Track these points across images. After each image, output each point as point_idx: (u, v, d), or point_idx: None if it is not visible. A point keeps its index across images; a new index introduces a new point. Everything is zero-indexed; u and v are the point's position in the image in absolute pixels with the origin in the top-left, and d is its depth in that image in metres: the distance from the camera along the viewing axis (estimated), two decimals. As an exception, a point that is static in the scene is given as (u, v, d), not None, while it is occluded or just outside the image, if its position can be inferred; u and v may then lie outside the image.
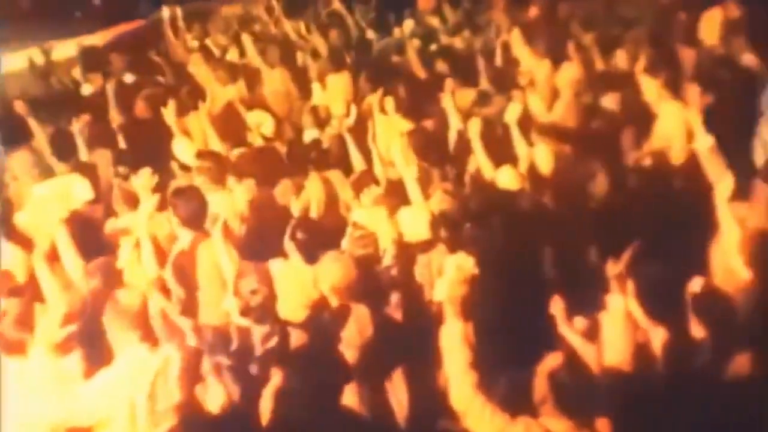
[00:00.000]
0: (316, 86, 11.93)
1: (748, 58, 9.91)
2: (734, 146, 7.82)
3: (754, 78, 9.14)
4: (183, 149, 10.01)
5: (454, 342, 5.34)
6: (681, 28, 11.21)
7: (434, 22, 14.08)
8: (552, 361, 5.23)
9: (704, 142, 7.30)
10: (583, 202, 8.12)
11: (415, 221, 7.80)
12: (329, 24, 14.13)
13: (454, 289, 5.38)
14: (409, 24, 14.13)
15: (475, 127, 8.87)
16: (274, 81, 12.28)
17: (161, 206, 7.80)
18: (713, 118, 7.73)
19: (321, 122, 10.83)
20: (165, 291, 7.39)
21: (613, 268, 5.86)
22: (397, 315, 6.98)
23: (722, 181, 7.00)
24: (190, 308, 7.43)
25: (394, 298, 7.05)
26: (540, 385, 5.09)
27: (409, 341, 6.61)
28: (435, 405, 6.05)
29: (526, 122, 9.30)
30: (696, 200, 7.39)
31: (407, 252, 7.48)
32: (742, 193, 6.96)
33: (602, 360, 5.60)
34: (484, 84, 11.02)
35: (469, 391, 5.27)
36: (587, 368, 5.38)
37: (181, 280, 7.45)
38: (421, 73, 11.98)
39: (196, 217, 7.62)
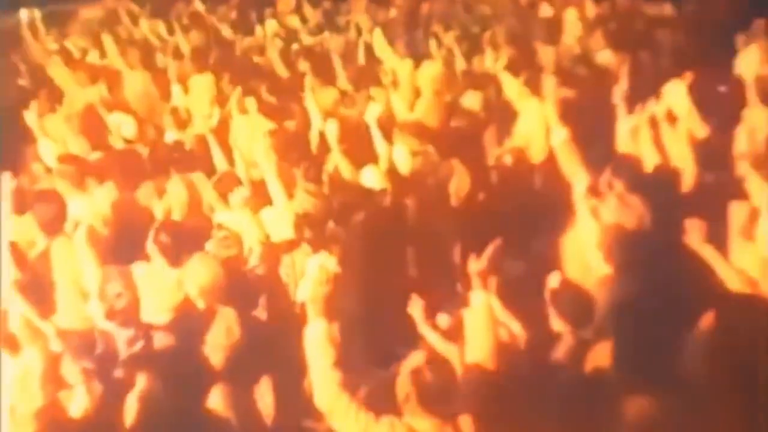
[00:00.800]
0: (177, 87, 11.83)
1: (604, 54, 10.12)
2: (591, 141, 7.97)
3: (609, 73, 9.32)
4: (46, 152, 9.88)
5: (318, 342, 5.35)
6: (540, 26, 11.39)
7: (295, 22, 14.08)
8: (415, 359, 5.27)
9: (559, 135, 7.43)
10: (445, 200, 8.19)
11: (279, 221, 7.81)
12: (190, 25, 14.04)
13: (316, 289, 5.39)
14: (270, 24, 14.11)
15: (332, 128, 8.90)
16: (135, 83, 12.15)
17: (21, 209, 7.68)
18: (569, 113, 7.87)
19: (182, 123, 10.75)
20: (26, 295, 7.27)
21: (475, 265, 5.93)
22: (264, 316, 6.97)
23: (578, 176, 7.13)
24: (50, 313, 7.33)
25: (261, 299, 7.03)
26: (403, 384, 5.12)
27: (275, 342, 6.59)
28: (301, 406, 6.06)
29: (389, 121, 9.36)
30: (556, 196, 7.51)
31: (273, 253, 7.47)
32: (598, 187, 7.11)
33: (465, 357, 5.65)
34: (346, 84, 11.06)
35: (333, 391, 5.27)
36: (450, 366, 5.42)
37: (40, 284, 7.35)
38: (283, 73, 11.97)
39: (54, 221, 7.52)
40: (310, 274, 5.42)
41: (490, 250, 5.91)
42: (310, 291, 5.40)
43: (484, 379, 5.38)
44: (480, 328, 5.65)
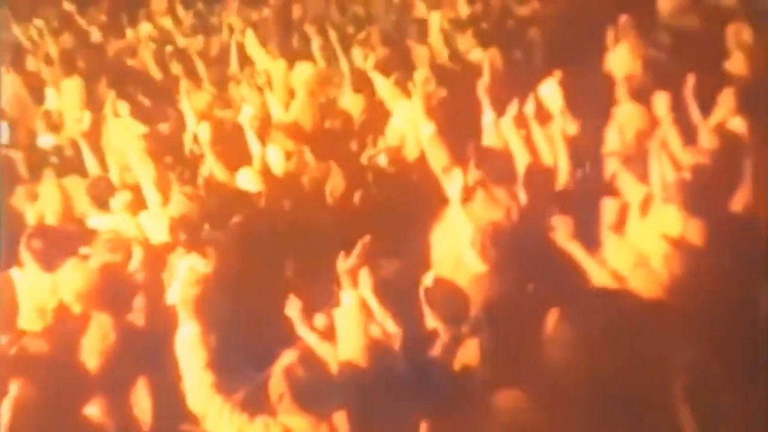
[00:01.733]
0: (50, 91, 11.66)
1: (476, 53, 10.22)
2: (463, 139, 8.05)
3: (481, 72, 9.42)
4: None
5: (189, 344, 5.32)
6: (414, 26, 11.45)
7: (168, 23, 13.96)
8: (287, 358, 5.27)
9: (426, 131, 7.50)
10: (321, 201, 8.21)
11: (155, 225, 7.75)
12: (61, 28, 13.84)
13: (186, 291, 5.36)
14: (144, 26, 13.97)
15: (205, 130, 8.85)
16: (6, 86, 11.94)
17: None
18: (441, 111, 7.96)
19: (55, 127, 10.59)
20: None
21: (344, 264, 5.96)
22: (140, 320, 6.90)
23: (449, 174, 7.20)
24: None
25: (138, 303, 6.97)
26: (276, 383, 5.12)
27: (151, 347, 6.54)
28: (178, 410, 6.01)
29: (264, 123, 9.34)
30: (430, 195, 7.57)
31: (152, 256, 7.41)
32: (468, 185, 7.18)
33: (338, 355, 5.68)
34: (219, 85, 11.01)
35: (206, 393, 5.26)
36: (323, 363, 5.44)
37: None
38: (156, 75, 11.87)
39: None
40: (179, 277, 5.40)
41: (358, 248, 5.95)
42: (179, 293, 5.37)
43: (357, 377, 5.40)
44: (351, 326, 5.68)
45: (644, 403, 5.13)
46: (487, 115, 8.08)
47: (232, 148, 8.96)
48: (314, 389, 5.12)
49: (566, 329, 5.39)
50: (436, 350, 5.78)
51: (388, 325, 5.78)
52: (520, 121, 7.81)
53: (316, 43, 10.95)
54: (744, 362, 5.21)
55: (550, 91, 8.13)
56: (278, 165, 8.78)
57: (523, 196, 7.15)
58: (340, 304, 5.90)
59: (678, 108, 7.78)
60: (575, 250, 6.37)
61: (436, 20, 11.09)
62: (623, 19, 9.61)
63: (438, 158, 7.57)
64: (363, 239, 6.09)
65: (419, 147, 8.46)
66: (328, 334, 5.93)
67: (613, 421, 5.13)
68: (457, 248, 6.86)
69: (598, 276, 6.30)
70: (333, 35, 10.92)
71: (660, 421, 5.08)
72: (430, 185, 7.63)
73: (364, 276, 5.86)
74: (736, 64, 8.93)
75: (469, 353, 5.64)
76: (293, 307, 6.14)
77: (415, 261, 6.87)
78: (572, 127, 8.02)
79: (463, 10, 11.45)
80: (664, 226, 6.36)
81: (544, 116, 7.92)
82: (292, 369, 5.13)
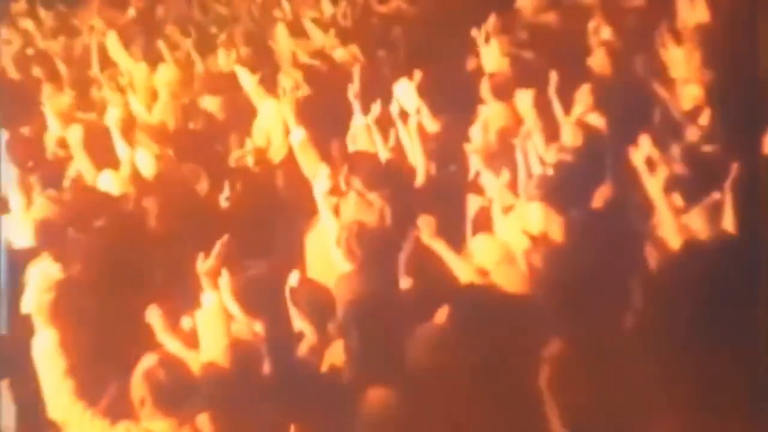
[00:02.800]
0: None
1: (340, 52, 10.23)
2: (329, 139, 8.06)
3: (346, 71, 9.43)
4: None
5: (47, 351, 5.24)
6: (277, 25, 11.40)
7: (29, 25, 13.68)
8: (147, 361, 5.21)
9: (297, 134, 7.50)
10: (188, 203, 8.13)
11: (20, 229, 7.61)
12: None
13: (40, 297, 5.27)
14: (2, 29, 13.66)
15: (75, 133, 8.72)
16: None
17: None
18: (307, 112, 7.95)
19: None
20: None
21: (204, 265, 5.93)
22: (2, 329, 6.77)
23: (318, 174, 7.21)
24: None
25: (2, 311, 6.84)
26: (137, 387, 5.06)
27: (12, 354, 6.41)
28: (43, 418, 5.91)
29: (129, 125, 9.22)
30: (298, 195, 7.56)
31: (16, 261, 7.27)
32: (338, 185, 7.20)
33: (201, 356, 5.64)
34: (82, 87, 10.84)
35: (67, 400, 5.18)
36: (184, 366, 5.39)
37: None
38: (17, 78, 11.63)
39: None
40: (33, 282, 5.31)
41: (217, 248, 5.92)
42: (33, 300, 5.28)
43: (220, 379, 5.36)
44: (212, 327, 5.66)
45: (511, 396, 5.19)
46: (358, 117, 8.10)
47: (98, 151, 8.81)
48: (176, 392, 5.07)
49: (450, 326, 5.41)
50: (302, 351, 5.77)
51: (252, 326, 5.75)
52: (385, 121, 7.84)
53: (178, 44, 10.85)
54: (610, 354, 5.28)
55: (404, 91, 8.19)
56: (145, 167, 8.65)
57: (393, 197, 7.16)
58: (201, 306, 5.87)
59: (541, 105, 7.89)
60: (440, 248, 6.40)
61: (299, 20, 11.08)
62: (491, 19, 9.70)
63: (308, 161, 7.56)
64: (221, 239, 6.06)
65: (286, 147, 8.45)
66: (192, 336, 5.88)
67: (481, 414, 5.18)
68: (325, 248, 6.87)
69: (464, 273, 6.34)
70: (195, 36, 10.83)
71: (527, 413, 5.13)
72: (298, 185, 7.62)
73: (225, 277, 5.83)
74: (597, 60, 9.08)
75: (337, 353, 5.64)
76: (153, 315, 6.06)
77: (285, 262, 6.83)
78: (435, 126, 8.08)
79: (327, 9, 11.44)
80: (527, 223, 6.43)
81: (405, 115, 7.96)
82: (152, 372, 5.07)
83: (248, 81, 9.31)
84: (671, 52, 9.01)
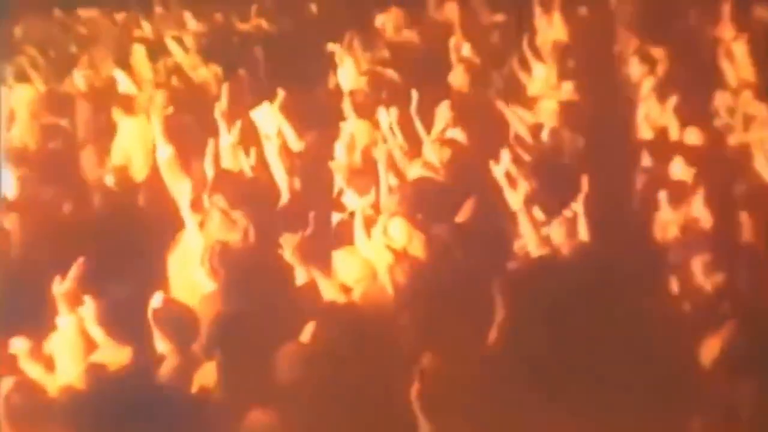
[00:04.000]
0: None
1: (204, 72, 10.19)
2: (195, 158, 8.01)
3: (210, 90, 9.41)
4: None
5: None
6: (140, 45, 11.30)
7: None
8: (4, 386, 5.12)
9: (163, 153, 7.45)
10: (48, 225, 7.99)
11: None
12: None
13: None
14: None
15: None
16: None
17: None
18: (174, 130, 7.89)
19: None
20: None
21: (60, 287, 5.86)
22: None
23: (182, 193, 7.17)
24: None
25: None
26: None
27: None
28: None
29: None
30: (161, 214, 7.50)
31: None
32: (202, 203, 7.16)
33: (57, 380, 5.57)
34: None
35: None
36: (42, 390, 5.31)
37: None
38: None
39: None
40: None
41: (73, 271, 5.85)
42: None
43: (77, 402, 5.27)
44: (69, 350, 5.58)
45: (384, 412, 5.20)
46: (224, 137, 8.07)
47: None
48: (32, 416, 4.99)
49: (316, 344, 5.41)
50: (166, 373, 5.71)
51: (117, 349, 5.68)
52: (249, 140, 7.84)
53: (37, 64, 10.69)
54: (477, 367, 5.33)
55: (263, 114, 8.21)
56: (8, 189, 8.50)
57: (257, 216, 7.14)
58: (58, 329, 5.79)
59: (403, 122, 7.96)
60: (304, 265, 6.41)
61: (161, 38, 11.00)
62: (349, 36, 9.76)
63: (174, 180, 7.51)
64: (77, 261, 5.99)
65: (149, 166, 8.38)
66: (49, 360, 5.80)
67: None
68: (189, 268, 6.82)
69: (329, 290, 6.35)
70: (56, 55, 10.69)
71: (399, 428, 5.15)
72: (162, 204, 7.56)
73: (87, 302, 5.76)
74: (457, 77, 9.19)
75: (206, 375, 5.59)
76: (15, 346, 5.96)
77: (148, 283, 6.76)
78: (299, 144, 8.10)
79: (189, 27, 11.38)
80: (390, 239, 6.47)
81: (268, 134, 7.97)
82: (9, 397, 5.00)
83: (127, 84, 9.23)
84: (531, 68, 9.17)
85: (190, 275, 6.79)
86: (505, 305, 5.43)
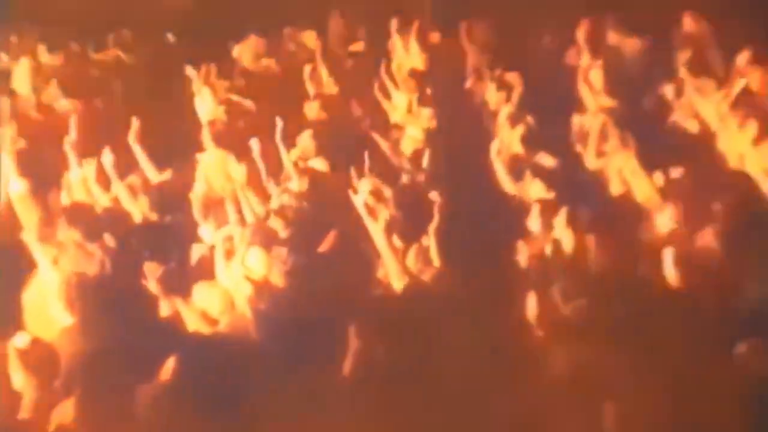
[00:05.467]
0: None
1: (62, 104, 10.04)
2: (50, 190, 7.89)
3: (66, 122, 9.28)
4: None
5: None
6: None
7: None
8: None
9: (15, 187, 7.33)
10: None
11: None
12: None
13: None
14: None
15: None
16: None
17: None
18: (27, 164, 7.76)
19: None
20: None
21: None
22: None
23: (35, 225, 7.06)
24: None
25: None
26: None
27: None
28: None
29: None
30: (12, 250, 7.36)
31: None
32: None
33: None
34: None
35: None
36: None
37: None
38: None
39: None
40: None
41: None
42: None
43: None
44: None
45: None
46: (74, 170, 7.95)
47: None
48: None
49: (181, 377, 5.36)
50: (25, 412, 5.59)
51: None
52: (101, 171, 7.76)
53: None
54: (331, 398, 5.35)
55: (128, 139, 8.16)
56: None
57: (114, 248, 7.05)
58: None
59: (264, 151, 7.94)
60: (166, 298, 6.35)
61: (19, 69, 10.83)
62: (205, 65, 9.71)
63: (28, 214, 7.38)
64: None
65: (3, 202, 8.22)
66: None
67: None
68: (45, 303, 6.69)
69: (192, 322, 6.30)
70: None
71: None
72: (15, 241, 7.40)
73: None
74: (317, 105, 9.21)
75: (64, 412, 5.49)
76: None
77: (3, 322, 6.61)
78: (157, 175, 8.04)
79: (45, 59, 11.19)
80: (249, 269, 6.44)
81: (124, 167, 7.90)
82: None
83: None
84: (391, 96, 9.23)
85: (46, 311, 6.65)
86: (359, 335, 5.45)
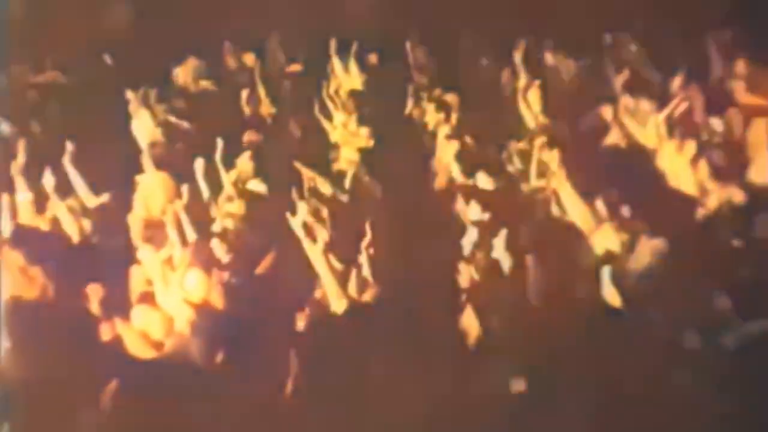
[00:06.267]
0: None
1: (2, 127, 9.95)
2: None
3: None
4: None
5: None
6: None
7: None
8: None
9: None
10: None
11: None
12: None
13: None
14: None
15: None
16: None
17: None
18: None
19: None
20: None
21: None
22: None
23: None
24: None
25: None
26: None
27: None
28: None
29: None
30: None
31: None
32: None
33: None
34: None
35: None
36: None
37: None
38: None
39: None
40: None
41: None
42: None
43: None
44: None
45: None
46: (21, 194, 7.90)
47: None
48: None
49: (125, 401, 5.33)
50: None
51: None
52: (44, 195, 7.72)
53: None
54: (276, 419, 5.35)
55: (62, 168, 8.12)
56: None
57: (55, 271, 7.00)
58: None
59: (203, 173, 7.94)
60: (107, 321, 6.33)
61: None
62: (144, 87, 9.67)
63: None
64: None
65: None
66: None
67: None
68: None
69: (134, 345, 6.27)
70: None
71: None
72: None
73: None
74: (258, 126, 9.21)
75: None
76: None
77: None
78: (94, 200, 7.99)
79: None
80: (188, 292, 6.43)
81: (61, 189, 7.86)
82: None
83: None
84: (332, 117, 9.25)
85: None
86: (299, 357, 5.47)
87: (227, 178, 8.07)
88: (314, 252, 6.57)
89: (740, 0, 8.84)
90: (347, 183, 8.12)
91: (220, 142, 8.17)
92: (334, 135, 9.20)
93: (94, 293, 6.46)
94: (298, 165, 8.08)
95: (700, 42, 9.09)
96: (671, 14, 9.19)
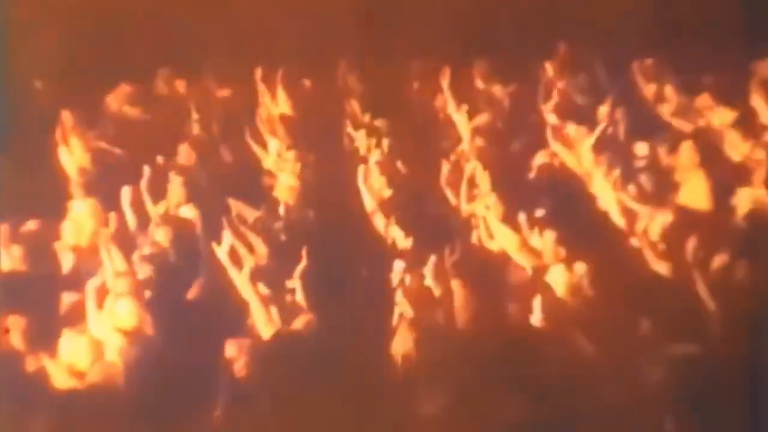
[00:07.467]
0: None
1: None
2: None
3: None
4: None
5: None
6: None
7: None
8: None
9: None
10: None
11: None
12: None
13: None
14: None
15: None
16: None
17: None
18: None
19: None
20: None
21: None
22: None
23: None
24: None
25: None
26: None
27: None
28: None
29: None
30: None
31: None
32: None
33: None
34: None
35: None
36: None
37: None
38: None
39: None
40: None
41: None
42: None
43: None
44: None
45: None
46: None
47: None
48: None
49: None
50: None
51: None
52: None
53: None
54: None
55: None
56: None
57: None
58: None
59: (132, 200, 7.90)
60: (32, 352, 6.27)
61: None
62: (73, 112, 9.59)
63: None
64: None
65: None
66: None
67: None
68: None
69: (59, 377, 6.22)
70: None
71: None
72: None
73: None
74: (185, 152, 9.16)
75: None
76: None
77: None
78: (25, 225, 7.94)
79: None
80: (119, 319, 6.40)
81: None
82: None
83: None
84: (265, 143, 9.23)
85: None
86: (230, 383, 5.45)
87: (154, 209, 8.04)
88: (240, 280, 6.56)
89: (665, 28, 8.95)
90: (281, 209, 8.11)
91: (146, 170, 8.13)
92: (267, 161, 9.16)
93: (16, 325, 6.39)
94: (225, 196, 8.07)
95: (626, 69, 9.19)
96: (598, 41, 9.27)
